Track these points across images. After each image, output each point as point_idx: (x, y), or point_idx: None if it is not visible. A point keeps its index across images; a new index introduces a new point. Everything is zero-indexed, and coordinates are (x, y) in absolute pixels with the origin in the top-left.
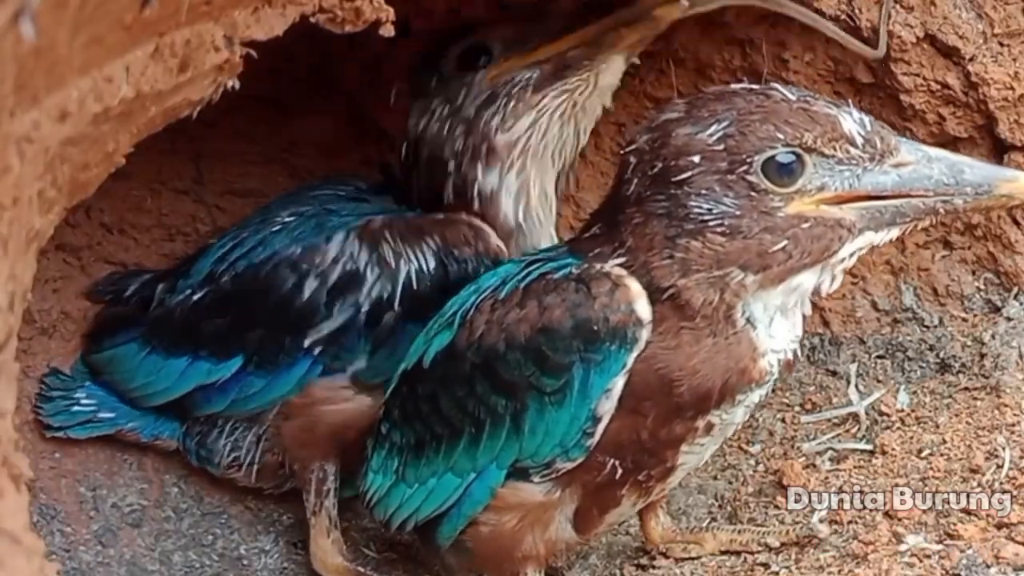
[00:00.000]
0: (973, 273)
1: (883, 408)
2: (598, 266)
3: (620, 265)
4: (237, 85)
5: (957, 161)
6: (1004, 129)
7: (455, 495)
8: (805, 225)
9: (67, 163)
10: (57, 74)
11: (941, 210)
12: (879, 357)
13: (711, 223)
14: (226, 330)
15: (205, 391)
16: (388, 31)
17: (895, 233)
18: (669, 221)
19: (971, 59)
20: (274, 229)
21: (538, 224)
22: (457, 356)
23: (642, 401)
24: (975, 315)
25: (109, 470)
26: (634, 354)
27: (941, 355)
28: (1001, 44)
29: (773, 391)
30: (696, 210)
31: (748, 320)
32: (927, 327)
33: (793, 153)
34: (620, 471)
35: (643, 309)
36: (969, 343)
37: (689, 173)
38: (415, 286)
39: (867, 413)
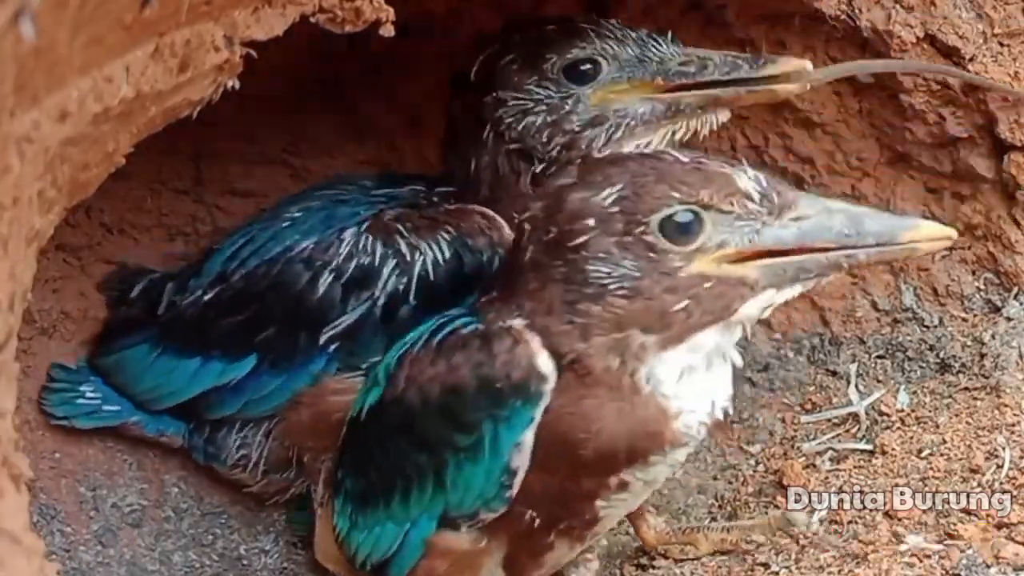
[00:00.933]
0: (973, 273)
1: (883, 408)
2: (500, 322)
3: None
4: (237, 85)
5: (858, 212)
6: (1004, 129)
7: (396, 542)
8: (707, 284)
9: (67, 163)
10: (57, 74)
11: (845, 264)
12: (879, 357)
13: (611, 286)
14: (239, 329)
15: (219, 393)
16: (388, 31)
17: (799, 289)
18: (567, 286)
19: (971, 59)
20: (284, 225)
21: None
22: (383, 413)
23: (550, 457)
24: (975, 315)
25: (109, 470)
26: (540, 407)
27: (941, 355)
28: (1001, 44)
29: (772, 391)
30: (595, 274)
31: (652, 384)
32: (927, 327)
33: (691, 211)
34: (539, 521)
35: (544, 363)
36: (969, 343)
37: (585, 237)
38: (430, 277)
39: (867, 413)
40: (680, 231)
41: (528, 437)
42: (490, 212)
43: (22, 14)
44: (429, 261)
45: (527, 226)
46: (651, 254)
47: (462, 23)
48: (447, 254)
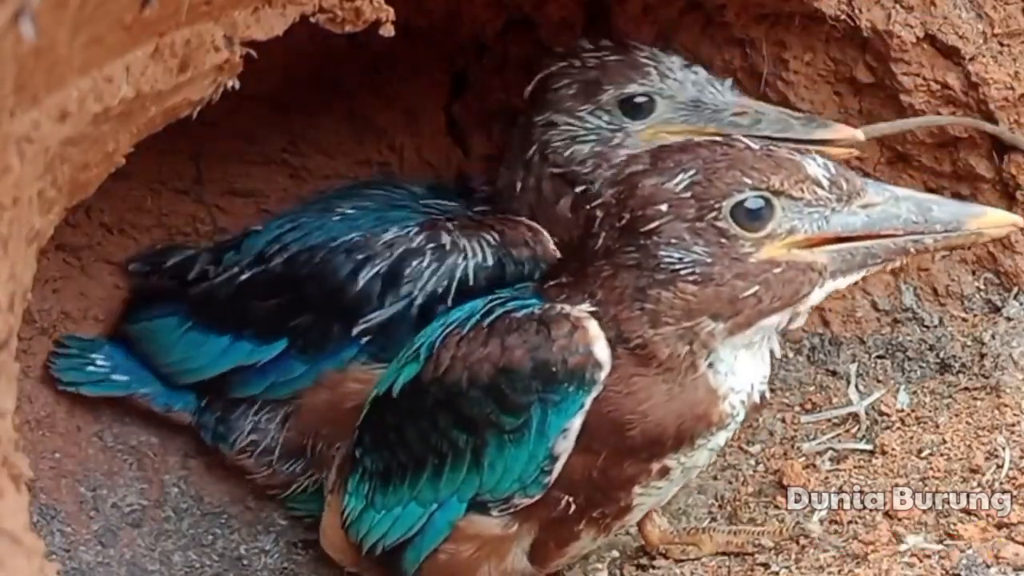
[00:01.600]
0: (973, 273)
1: (883, 408)
2: (559, 307)
3: (592, 315)
4: (237, 85)
5: (925, 199)
6: (1004, 129)
7: (418, 524)
8: (777, 270)
9: (67, 163)
10: (57, 74)
11: (912, 250)
12: (879, 357)
13: (682, 272)
14: (274, 312)
15: (244, 372)
16: (388, 31)
17: (863, 274)
18: (640, 272)
19: (971, 59)
20: (335, 218)
21: None
22: (423, 389)
23: (594, 440)
24: (975, 315)
25: (109, 470)
26: (592, 395)
27: (941, 355)
28: (1001, 44)
29: (772, 391)
30: (667, 259)
31: (711, 364)
32: (927, 327)
33: (762, 198)
34: (573, 507)
35: (601, 351)
36: (969, 343)
37: (658, 223)
38: (470, 282)
39: (867, 413)
40: (751, 217)
41: (576, 424)
42: (536, 225)
43: (22, 14)
44: (471, 266)
45: (599, 213)
46: (722, 240)
47: (462, 23)
48: (490, 260)
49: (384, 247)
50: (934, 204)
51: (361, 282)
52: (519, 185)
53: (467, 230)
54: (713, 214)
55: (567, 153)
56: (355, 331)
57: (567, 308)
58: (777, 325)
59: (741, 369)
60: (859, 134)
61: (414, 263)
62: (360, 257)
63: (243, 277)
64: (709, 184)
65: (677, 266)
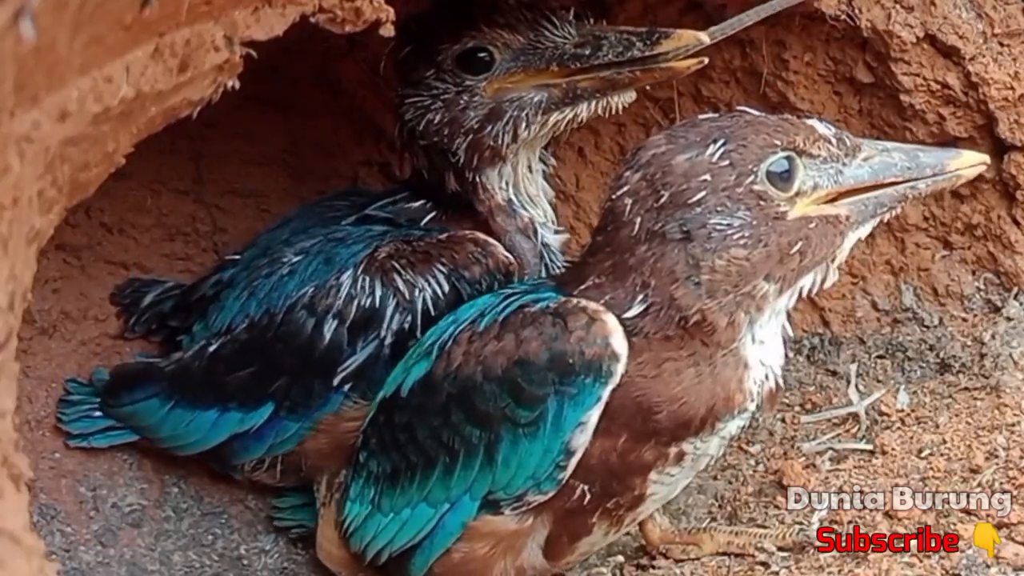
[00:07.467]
0: (973, 273)
1: (883, 408)
2: (575, 300)
3: (646, 309)
4: (237, 85)
5: (910, 148)
6: (1004, 129)
7: (428, 526)
8: (812, 225)
9: (67, 163)
10: (57, 74)
11: (909, 195)
12: (879, 357)
13: (733, 236)
14: (252, 380)
15: (242, 439)
16: (388, 31)
17: (874, 223)
18: (690, 243)
19: (971, 59)
20: (283, 272)
21: (527, 198)
22: (434, 386)
23: (614, 424)
24: (975, 315)
25: (109, 470)
26: (609, 388)
27: (941, 355)
28: (1001, 44)
29: None
30: (718, 226)
31: (752, 332)
32: (927, 327)
33: (787, 158)
34: (589, 497)
35: (619, 343)
36: (969, 343)
37: (703, 193)
38: (432, 312)
39: (867, 413)
40: (781, 178)
41: (593, 417)
42: (483, 237)
43: (22, 14)
44: (428, 297)
45: (628, 200)
46: (761, 202)
47: None
48: (445, 288)
49: (341, 299)
50: (919, 151)
51: (328, 335)
52: (414, 169)
53: (418, 266)
54: (751, 178)
55: (422, 126)
56: (336, 381)
57: (583, 301)
58: (811, 283)
59: (771, 339)
60: (702, 35)
61: (375, 314)
62: (320, 310)
63: (211, 349)
64: (744, 150)
65: (727, 231)
